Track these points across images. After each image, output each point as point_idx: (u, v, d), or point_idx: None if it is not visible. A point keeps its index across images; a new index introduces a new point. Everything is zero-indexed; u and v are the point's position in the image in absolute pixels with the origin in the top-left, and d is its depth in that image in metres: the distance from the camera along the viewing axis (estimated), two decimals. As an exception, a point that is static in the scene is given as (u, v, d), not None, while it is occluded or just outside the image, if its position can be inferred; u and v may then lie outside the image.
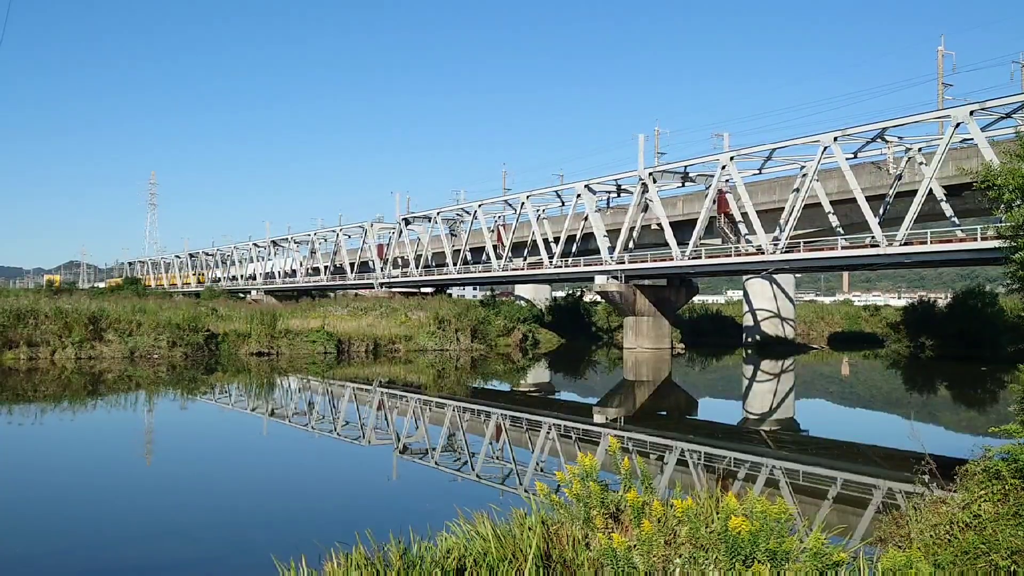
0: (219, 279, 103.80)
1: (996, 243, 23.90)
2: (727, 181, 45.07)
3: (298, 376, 33.84)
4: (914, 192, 35.15)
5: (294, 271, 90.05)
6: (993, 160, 25.31)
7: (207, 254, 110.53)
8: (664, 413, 27.51)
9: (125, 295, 61.48)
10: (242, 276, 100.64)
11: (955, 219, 35.37)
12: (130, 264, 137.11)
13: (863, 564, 6.25)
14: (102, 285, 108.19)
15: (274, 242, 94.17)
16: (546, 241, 55.46)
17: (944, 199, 35.27)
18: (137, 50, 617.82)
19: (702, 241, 46.10)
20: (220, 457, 17.40)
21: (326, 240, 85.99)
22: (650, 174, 47.97)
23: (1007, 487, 7.76)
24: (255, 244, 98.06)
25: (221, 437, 19.93)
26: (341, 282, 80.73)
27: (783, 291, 54.02)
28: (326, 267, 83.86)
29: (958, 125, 32.90)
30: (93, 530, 11.12)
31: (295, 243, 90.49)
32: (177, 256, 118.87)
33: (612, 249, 49.53)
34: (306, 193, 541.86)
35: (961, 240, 34.05)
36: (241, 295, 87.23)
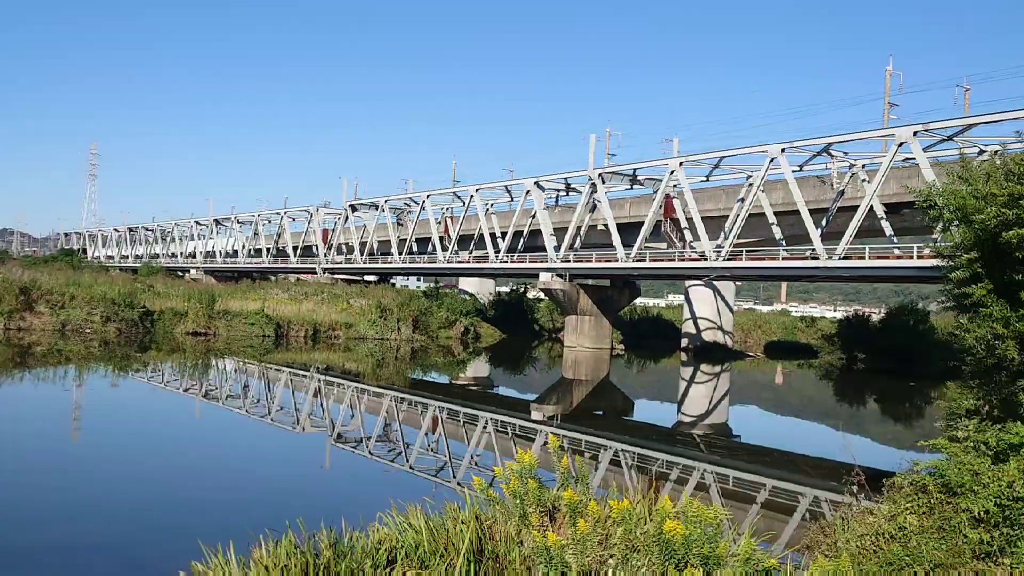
0: (158, 255, 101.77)
1: (932, 262, 24.45)
2: (675, 186, 45.47)
3: (234, 358, 33.34)
4: (855, 208, 35.82)
5: (235, 252, 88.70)
6: (934, 180, 25.90)
7: (147, 229, 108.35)
8: (600, 413, 27.68)
9: (59, 266, 59.98)
10: (182, 254, 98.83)
11: (893, 237, 36.13)
12: (66, 235, 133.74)
13: (791, 570, 6.32)
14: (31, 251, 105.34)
15: (217, 221, 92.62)
16: (493, 235, 55.41)
17: (884, 216, 36.01)
18: (83, 14, 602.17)
19: (647, 244, 46.42)
20: (150, 438, 17.04)
21: (270, 222, 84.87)
22: (599, 175, 48.19)
23: (933, 501, 7.93)
24: (197, 222, 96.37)
25: (152, 417, 19.53)
26: (283, 265, 79.79)
27: (723, 298, 54.68)
28: (268, 249, 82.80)
29: (901, 144, 33.57)
30: (13, 508, 10.78)
31: (238, 223, 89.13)
32: (116, 229, 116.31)
33: (558, 247, 49.68)
34: (252, 173, 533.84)
35: (898, 257, 34.81)
36: (180, 273, 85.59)
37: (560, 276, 49.52)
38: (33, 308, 36.21)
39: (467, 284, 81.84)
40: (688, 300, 56.30)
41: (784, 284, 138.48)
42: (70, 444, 15.57)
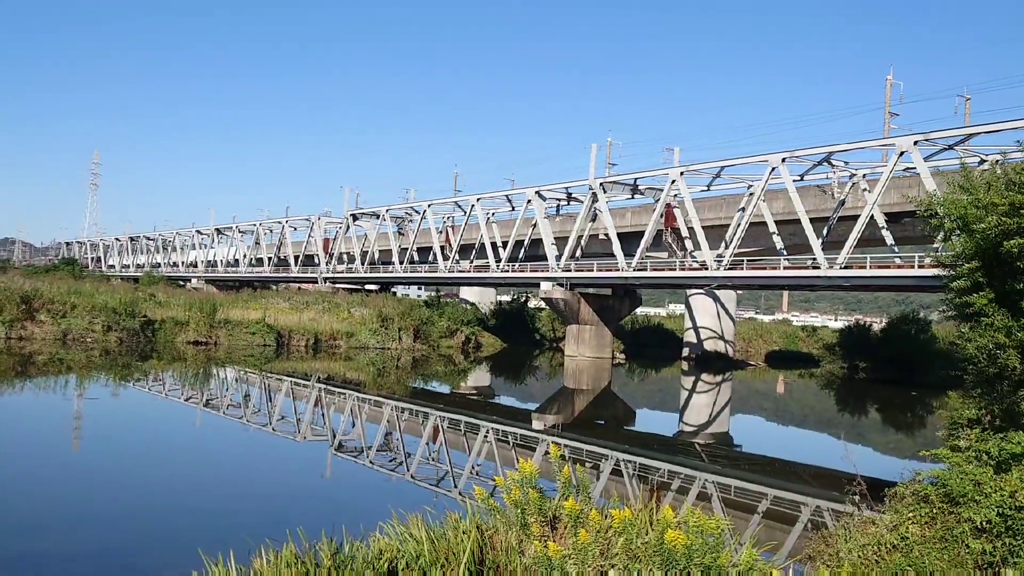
0: (159, 264, 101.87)
1: (933, 271, 24.41)
2: (675, 196, 45.50)
3: (235, 367, 33.32)
4: (856, 217, 35.84)
5: (237, 261, 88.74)
6: (935, 190, 25.92)
7: (148, 238, 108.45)
8: (602, 422, 27.63)
9: (60, 276, 60.02)
10: (183, 263, 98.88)
11: (894, 246, 36.12)
12: (67, 244, 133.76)
13: (793, 581, 6.31)
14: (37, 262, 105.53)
15: (218, 230, 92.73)
16: (494, 245, 55.44)
17: (885, 226, 35.99)
18: (83, 23, 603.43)
19: (648, 253, 46.46)
20: (151, 446, 17.02)
21: (271, 231, 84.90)
22: (600, 184, 48.24)
23: (935, 511, 7.91)
24: (198, 231, 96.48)
25: (153, 426, 19.52)
26: (284, 274, 79.80)
27: (724, 307, 54.66)
28: (270, 258, 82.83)
29: (902, 154, 33.61)
30: (14, 516, 10.77)
31: (239, 232, 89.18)
32: (117, 239, 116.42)
33: (559, 256, 49.70)
34: (253, 182, 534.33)
35: (899, 267, 34.78)
36: (181, 282, 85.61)
37: (561, 285, 49.52)
38: (34, 317, 36.22)
39: (468, 293, 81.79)
40: (689, 309, 56.30)
41: (785, 293, 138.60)
42: (71, 453, 15.55)
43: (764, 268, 40.90)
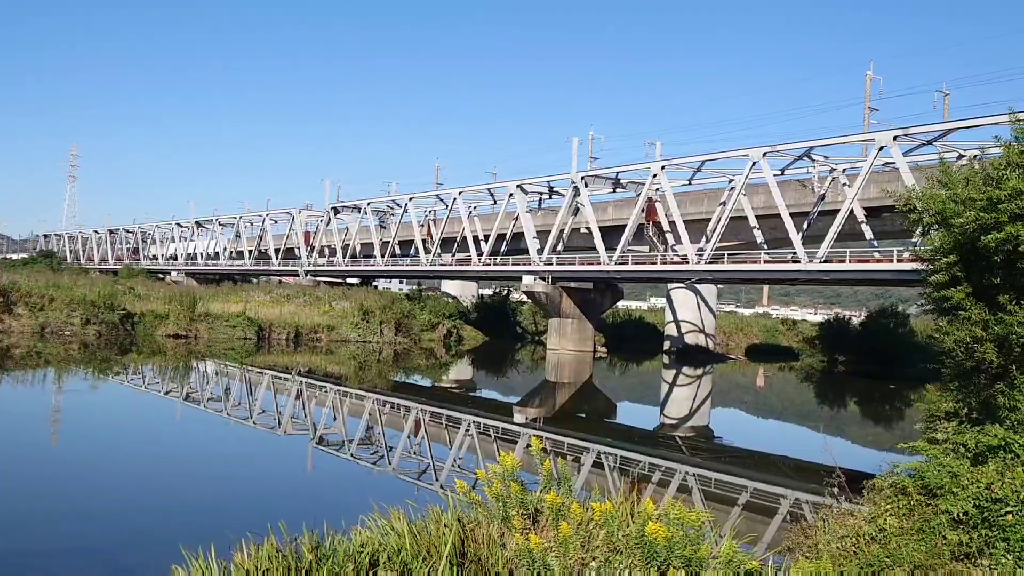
0: (138, 258, 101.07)
1: (912, 265, 24.62)
2: (657, 190, 45.59)
3: (216, 361, 33.18)
4: (836, 211, 36.01)
5: (217, 254, 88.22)
6: (914, 184, 26.10)
7: (127, 231, 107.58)
8: (583, 415, 27.71)
9: (39, 268, 59.54)
10: (163, 256, 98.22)
11: (874, 240, 36.35)
12: (45, 237, 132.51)
13: (772, 572, 6.36)
14: (15, 256, 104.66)
15: (198, 223, 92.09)
16: (476, 238, 55.37)
17: (864, 220, 36.21)
18: (63, 16, 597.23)
19: (630, 247, 46.53)
20: (131, 441, 16.93)
21: (252, 224, 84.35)
22: (582, 178, 48.28)
23: (912, 502, 7.99)
24: (178, 224, 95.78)
25: (133, 420, 19.40)
26: (265, 268, 79.43)
27: (705, 301, 54.83)
28: (250, 251, 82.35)
29: (882, 148, 33.81)
30: (-9, 510, 10.69)
31: (220, 225, 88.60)
32: (96, 231, 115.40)
33: (541, 250, 49.71)
34: (234, 176, 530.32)
35: (878, 261, 35.04)
36: (161, 275, 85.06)
37: (543, 279, 49.55)
38: (12, 310, 35.90)
39: (450, 287, 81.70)
40: (670, 303, 56.43)
41: (766, 287, 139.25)
42: (50, 448, 15.45)
43: (745, 262, 41.07)
